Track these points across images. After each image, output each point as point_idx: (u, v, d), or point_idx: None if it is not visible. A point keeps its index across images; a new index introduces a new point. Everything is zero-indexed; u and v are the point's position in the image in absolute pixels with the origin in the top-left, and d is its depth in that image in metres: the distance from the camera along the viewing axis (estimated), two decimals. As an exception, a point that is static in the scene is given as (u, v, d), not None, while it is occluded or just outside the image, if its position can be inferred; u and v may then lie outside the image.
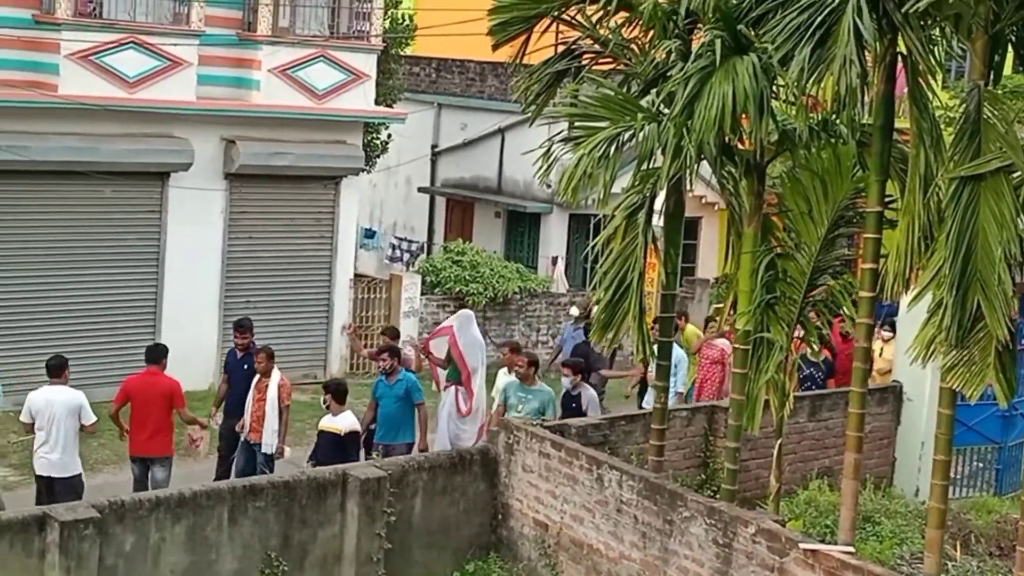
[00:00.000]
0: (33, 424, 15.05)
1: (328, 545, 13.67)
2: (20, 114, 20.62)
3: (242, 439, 16.69)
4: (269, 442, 16.37)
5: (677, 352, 18.15)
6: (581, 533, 13.99)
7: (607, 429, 15.62)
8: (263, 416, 16.41)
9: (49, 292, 21.61)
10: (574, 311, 24.06)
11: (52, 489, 14.87)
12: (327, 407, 15.88)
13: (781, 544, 11.94)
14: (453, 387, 18.11)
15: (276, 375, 16.59)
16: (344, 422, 15.63)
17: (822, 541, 12.87)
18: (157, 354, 16.27)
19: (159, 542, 12.58)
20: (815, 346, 14.96)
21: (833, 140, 13.39)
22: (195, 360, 22.20)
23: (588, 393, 17.10)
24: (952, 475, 14.96)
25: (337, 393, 15.83)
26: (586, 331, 21.26)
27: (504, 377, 17.59)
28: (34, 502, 14.61)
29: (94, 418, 15.25)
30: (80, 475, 15.21)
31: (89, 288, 21.95)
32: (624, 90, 13.94)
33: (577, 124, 13.57)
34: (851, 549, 12.03)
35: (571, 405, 16.93)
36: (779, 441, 14.04)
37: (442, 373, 18.48)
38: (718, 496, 13.96)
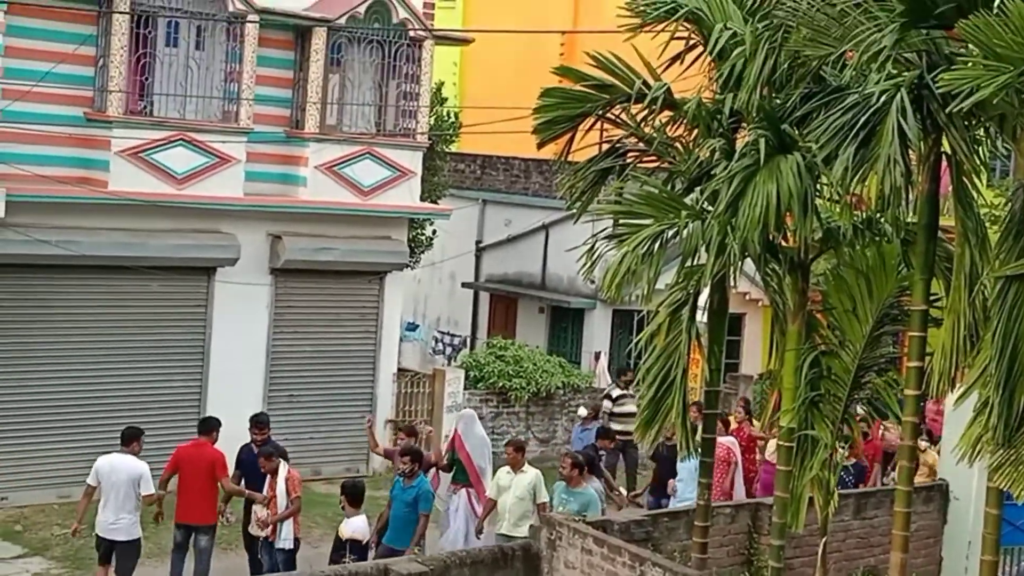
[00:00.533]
0: (95, 488, 15.94)
1: (370, 642, 13.62)
2: (71, 210, 20.87)
3: (261, 539, 16.70)
4: (285, 537, 16.34)
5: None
6: (624, 631, 13.88)
7: (650, 525, 15.56)
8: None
9: (95, 385, 21.73)
10: (582, 411, 24.03)
11: (111, 550, 16.04)
12: (343, 508, 15.97)
13: (827, 645, 11.82)
14: (463, 489, 18.22)
15: (283, 469, 16.56)
16: (350, 527, 15.85)
17: (869, 642, 12.74)
18: (209, 425, 17.12)
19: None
20: (843, 450, 14.89)
21: (878, 238, 13.41)
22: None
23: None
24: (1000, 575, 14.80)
25: (352, 495, 15.95)
26: (596, 433, 21.28)
27: (505, 476, 17.22)
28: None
29: (152, 490, 16.00)
30: (139, 539, 16.18)
31: (135, 382, 22.07)
32: (668, 188, 14.02)
33: (621, 221, 13.64)
34: (898, 651, 11.90)
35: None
36: (824, 539, 13.94)
37: (445, 478, 18.49)
38: (763, 595, 13.85)
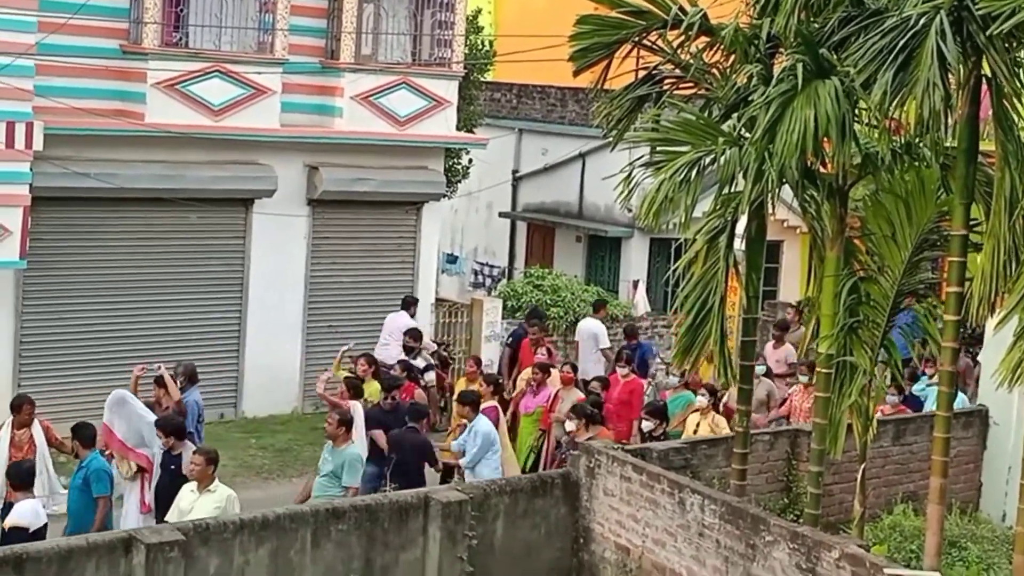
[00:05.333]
0: None
1: (410, 568, 13.71)
2: (108, 142, 20.93)
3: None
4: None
5: (481, 426, 16.83)
6: (663, 557, 13.95)
7: (688, 453, 15.59)
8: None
9: (134, 317, 21.89)
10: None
11: None
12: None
13: (866, 569, 11.84)
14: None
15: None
16: (16, 513, 13.33)
17: (907, 566, 12.78)
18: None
19: (243, 565, 12.68)
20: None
21: (917, 163, 13.31)
22: (279, 385, 22.47)
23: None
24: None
25: (16, 478, 13.67)
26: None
27: (188, 495, 13.87)
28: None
29: None
30: None
31: (174, 313, 22.20)
32: (705, 115, 13.94)
33: (658, 149, 13.59)
34: (937, 574, 11.92)
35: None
36: (863, 465, 13.96)
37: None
38: (801, 521, 13.88)
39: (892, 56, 11.64)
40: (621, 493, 14.42)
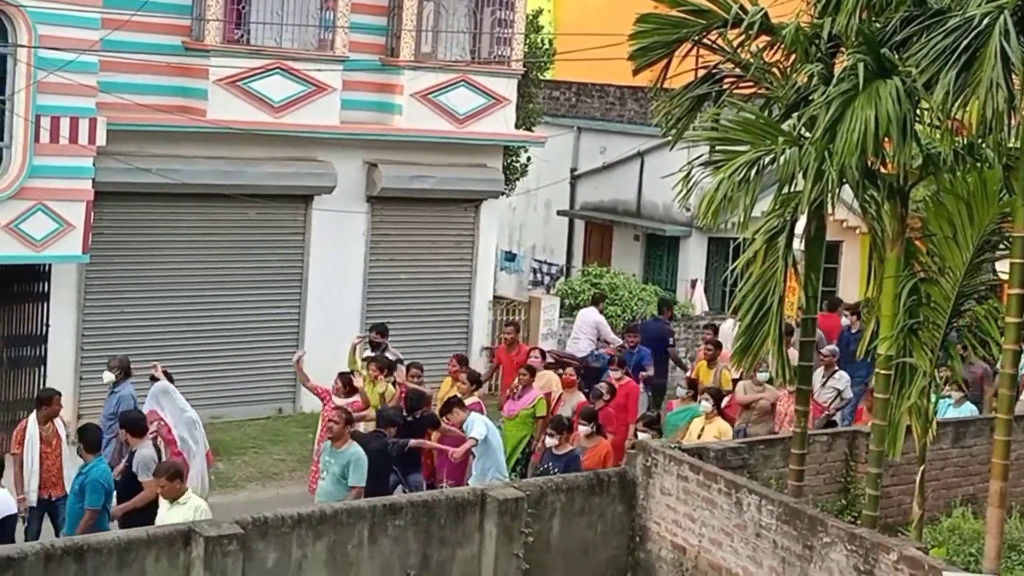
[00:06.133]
0: None
1: (466, 565, 13.74)
2: (170, 138, 21.12)
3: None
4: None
5: (477, 421, 16.51)
6: (719, 557, 13.92)
7: (746, 452, 15.53)
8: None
9: (195, 312, 22.08)
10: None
11: None
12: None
13: (924, 572, 11.76)
14: None
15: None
16: None
17: (966, 570, 12.68)
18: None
19: (300, 559, 12.74)
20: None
21: (979, 164, 13.19)
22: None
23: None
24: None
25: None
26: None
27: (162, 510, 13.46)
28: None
29: None
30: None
31: (234, 308, 22.38)
32: (765, 114, 13.88)
33: (718, 148, 13.55)
34: (996, 578, 11.84)
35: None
36: (922, 468, 13.85)
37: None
38: (859, 522, 13.80)
39: (955, 56, 11.57)
40: (678, 492, 14.40)
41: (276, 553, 12.62)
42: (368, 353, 19.54)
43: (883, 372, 13.46)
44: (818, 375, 19.11)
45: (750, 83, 14.43)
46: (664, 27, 14.09)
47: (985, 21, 11.46)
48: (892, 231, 13.34)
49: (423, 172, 23.73)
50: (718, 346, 21.00)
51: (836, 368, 19.96)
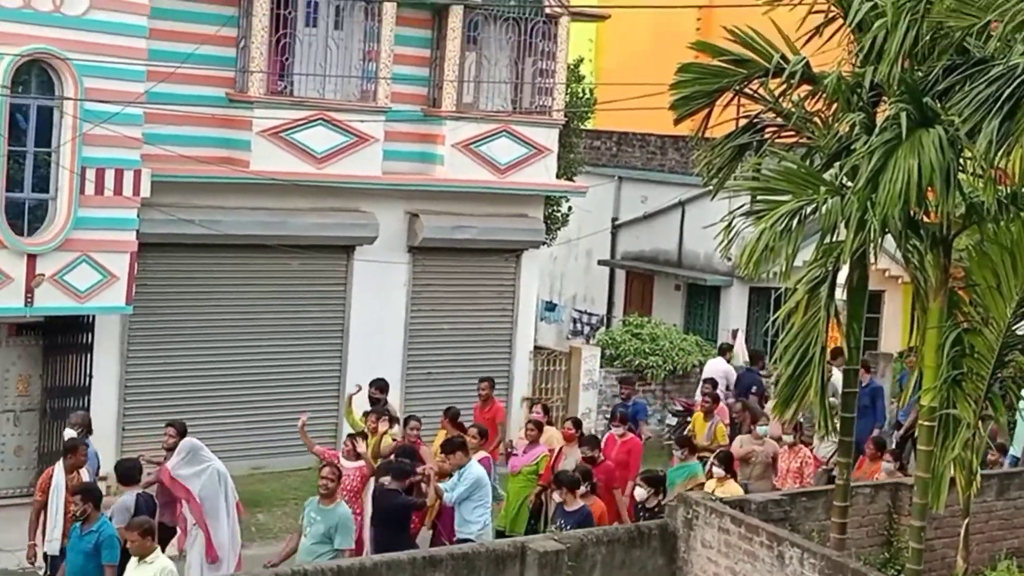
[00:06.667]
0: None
1: (507, 617, 13.69)
2: (213, 189, 21.24)
3: None
4: None
5: (472, 470, 16.12)
6: (762, 611, 13.80)
7: (788, 505, 15.42)
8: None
9: (237, 362, 22.14)
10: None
11: None
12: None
13: (969, 627, 11.64)
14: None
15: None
16: None
17: (1012, 625, 12.51)
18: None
19: (341, 610, 12.73)
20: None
21: (1023, 213, 13.11)
22: (377, 430, 22.56)
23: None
24: None
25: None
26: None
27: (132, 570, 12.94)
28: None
29: None
30: None
31: (276, 358, 22.43)
32: (807, 163, 13.85)
33: (759, 197, 13.52)
34: (1042, 634, 11.67)
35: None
36: (966, 520, 13.71)
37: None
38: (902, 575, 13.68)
39: (998, 105, 11.53)
40: (719, 545, 14.29)
41: (316, 605, 12.59)
42: (367, 409, 19.08)
43: (927, 424, 13.34)
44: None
45: (792, 132, 14.41)
46: (705, 76, 14.10)
47: (1028, 70, 11.42)
48: (935, 281, 13.26)
49: (464, 222, 23.78)
50: (716, 399, 20.89)
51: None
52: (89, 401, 20.62)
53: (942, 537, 16.08)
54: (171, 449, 15.90)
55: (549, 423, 19.48)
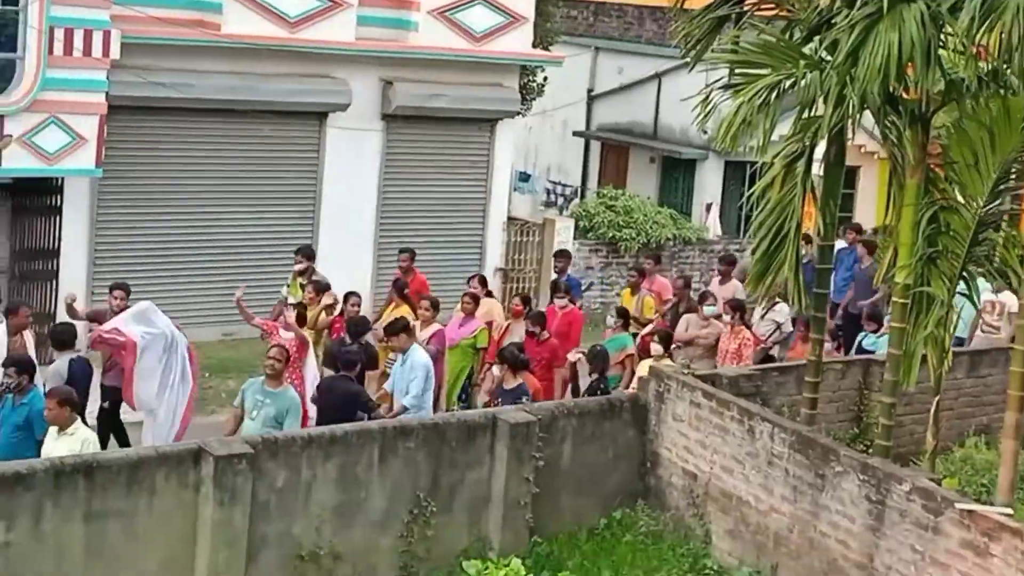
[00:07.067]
0: None
1: (476, 488, 13.73)
2: (184, 52, 20.93)
3: None
4: None
5: (418, 358, 15.43)
6: (730, 484, 13.89)
7: (759, 380, 15.45)
8: None
9: (207, 227, 21.99)
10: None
11: None
12: None
13: (936, 503, 11.72)
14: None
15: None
16: None
17: (978, 501, 12.60)
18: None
19: (310, 479, 12.72)
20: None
21: (1002, 91, 13.00)
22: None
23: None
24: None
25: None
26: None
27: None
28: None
29: None
30: None
31: (246, 224, 22.29)
32: (786, 37, 13.68)
33: (738, 71, 13.36)
34: (1010, 511, 11.76)
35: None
36: (937, 398, 13.77)
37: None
38: (871, 451, 13.76)
39: (982, -20, 11.36)
40: (690, 419, 14.35)
41: (286, 473, 12.60)
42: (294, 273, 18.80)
43: (900, 301, 13.33)
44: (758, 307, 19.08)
45: (771, 5, 14.25)
46: (687, -54, 13.88)
47: (1014, -55, 11.25)
48: (913, 158, 13.17)
49: (439, 90, 23.53)
50: (642, 273, 20.44)
51: (777, 300, 19.60)
52: (58, 265, 20.51)
53: (911, 413, 16.17)
54: (120, 312, 15.62)
55: (488, 295, 18.98)
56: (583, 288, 21.99)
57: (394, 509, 13.23)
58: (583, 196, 31.20)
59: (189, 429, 15.28)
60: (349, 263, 22.78)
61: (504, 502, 13.74)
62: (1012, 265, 13.54)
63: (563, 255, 21.58)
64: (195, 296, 21.48)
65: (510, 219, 25.57)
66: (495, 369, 16.00)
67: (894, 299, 13.58)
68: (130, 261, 21.20)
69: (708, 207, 29.04)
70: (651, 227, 26.56)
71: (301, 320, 16.70)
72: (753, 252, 14.22)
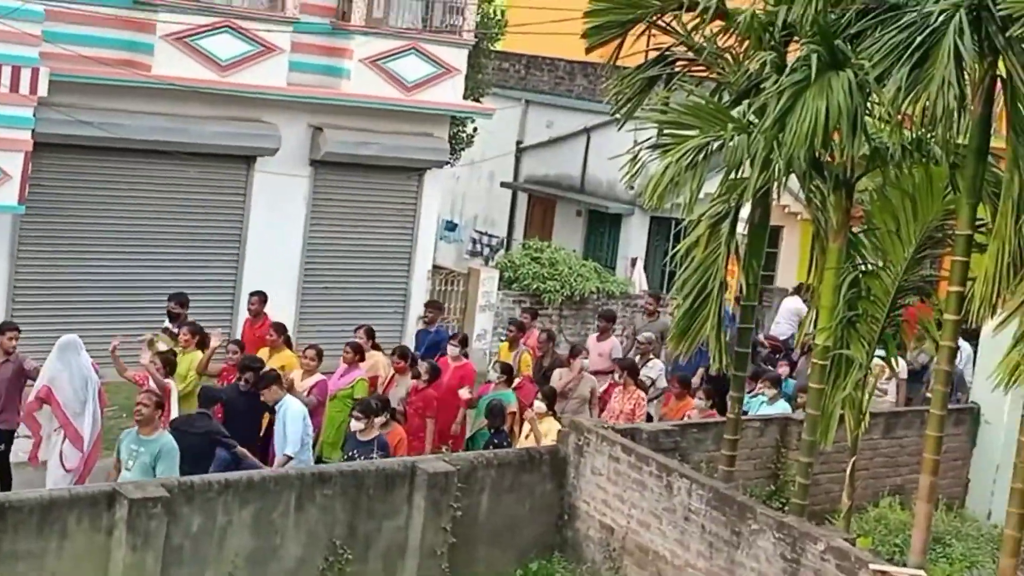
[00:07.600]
0: None
1: (393, 537, 13.72)
2: (113, 92, 20.81)
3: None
4: None
5: (293, 408, 15.18)
6: (647, 539, 13.95)
7: (678, 435, 15.56)
8: None
9: (130, 268, 21.81)
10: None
11: None
12: None
13: (851, 563, 11.83)
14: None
15: None
16: None
17: (891, 561, 12.76)
18: None
19: (226, 524, 12.68)
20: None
21: (926, 159, 13.24)
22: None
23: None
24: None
25: None
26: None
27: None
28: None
29: None
30: None
31: (170, 267, 22.12)
32: (716, 99, 13.86)
33: (666, 131, 13.51)
34: (922, 572, 11.92)
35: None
36: (853, 459, 13.92)
37: None
38: (787, 509, 13.87)
39: (908, 52, 11.60)
40: (609, 472, 14.41)
41: (201, 518, 12.54)
42: (167, 324, 18.48)
43: (820, 363, 13.50)
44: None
45: (702, 67, 14.43)
46: (619, 7, 14.07)
47: (940, 19, 11.49)
48: (836, 222, 13.37)
49: (368, 139, 23.54)
50: (521, 328, 20.23)
51: (650, 357, 19.73)
52: (-23, 301, 20.30)
53: (827, 472, 16.34)
54: (10, 353, 15.37)
55: (375, 347, 18.50)
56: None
57: (309, 556, 13.19)
58: (509, 247, 31.28)
59: (94, 471, 15.00)
60: (273, 308, 22.62)
61: (421, 551, 13.74)
62: (931, 332, 13.76)
63: (434, 306, 21.28)
64: (115, 337, 21.27)
65: (435, 268, 25.59)
66: (354, 423, 15.20)
67: (814, 360, 13.74)
68: (50, 300, 21.01)
69: (633, 261, 29.19)
70: (575, 280, 26.66)
71: (171, 366, 16.01)
72: (675, 310, 14.33)
